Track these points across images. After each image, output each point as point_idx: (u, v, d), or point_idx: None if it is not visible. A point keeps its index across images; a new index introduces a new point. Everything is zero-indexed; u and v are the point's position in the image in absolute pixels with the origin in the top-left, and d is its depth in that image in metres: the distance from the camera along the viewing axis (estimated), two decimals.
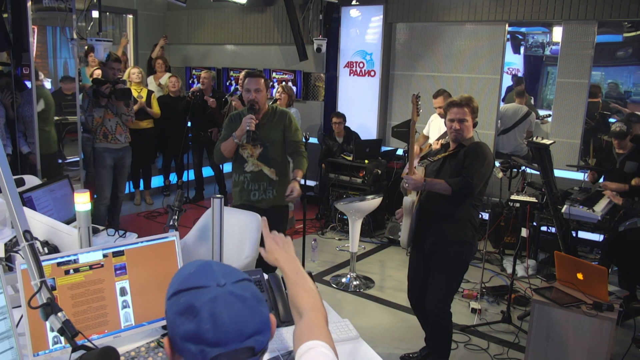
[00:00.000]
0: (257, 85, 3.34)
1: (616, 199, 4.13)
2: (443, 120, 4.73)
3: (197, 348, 0.87)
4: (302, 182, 6.18)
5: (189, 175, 6.82)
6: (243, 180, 3.42)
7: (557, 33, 6.70)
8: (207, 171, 6.88)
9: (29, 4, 4.80)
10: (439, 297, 2.99)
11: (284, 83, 6.45)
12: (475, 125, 3.03)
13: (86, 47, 6.72)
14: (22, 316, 1.53)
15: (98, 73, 5.63)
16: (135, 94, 6.00)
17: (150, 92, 6.22)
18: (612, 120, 6.10)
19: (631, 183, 4.22)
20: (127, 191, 6.56)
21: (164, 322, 1.80)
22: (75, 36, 5.48)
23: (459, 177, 2.84)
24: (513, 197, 4.20)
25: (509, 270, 4.53)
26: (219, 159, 3.50)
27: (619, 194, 4.18)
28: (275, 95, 5.76)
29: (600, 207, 4.07)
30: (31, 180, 3.28)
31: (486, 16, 5.82)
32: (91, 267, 1.68)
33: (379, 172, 5.83)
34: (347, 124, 6.24)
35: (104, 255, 1.72)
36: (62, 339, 1.34)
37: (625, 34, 6.95)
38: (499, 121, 6.17)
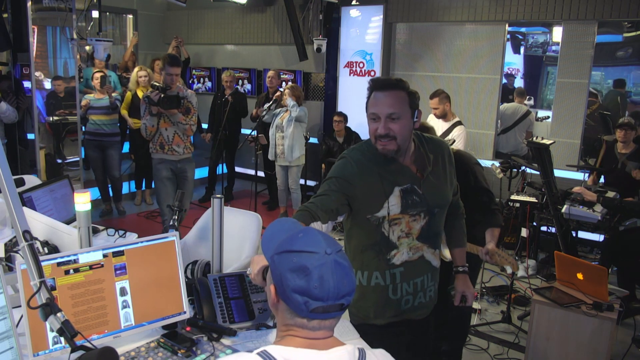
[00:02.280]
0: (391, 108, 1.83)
1: (589, 195, 4.03)
2: (440, 121, 4.78)
3: (303, 299, 1.09)
4: (302, 182, 6.26)
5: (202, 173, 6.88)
6: (393, 275, 1.93)
7: (557, 33, 6.70)
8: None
9: (29, 4, 4.81)
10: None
11: (290, 83, 6.46)
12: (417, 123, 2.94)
13: (87, 48, 6.73)
14: (22, 316, 1.53)
15: (97, 76, 5.63)
16: (141, 95, 6.00)
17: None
18: None
19: (632, 176, 4.19)
20: (127, 191, 6.59)
21: (164, 322, 1.80)
22: (75, 36, 5.48)
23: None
24: (513, 197, 4.21)
25: (509, 270, 4.53)
26: None
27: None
28: (276, 97, 5.76)
29: (600, 207, 4.06)
30: (31, 180, 3.28)
31: (486, 16, 5.82)
32: (91, 267, 1.68)
33: None
34: (347, 124, 6.24)
35: (104, 255, 1.71)
36: (62, 339, 1.34)
37: (625, 34, 6.95)
38: (499, 121, 6.18)
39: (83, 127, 5.96)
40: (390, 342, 1.78)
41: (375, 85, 1.83)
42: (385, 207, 1.83)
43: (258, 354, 1.07)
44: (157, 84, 4.23)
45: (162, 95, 4.17)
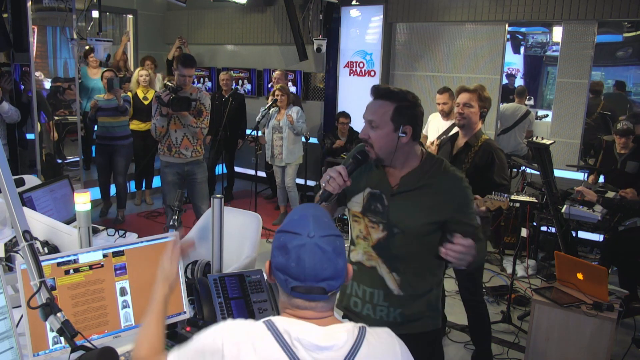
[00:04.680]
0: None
1: (589, 194, 4.03)
2: (442, 119, 4.78)
3: (283, 277, 1.19)
4: (302, 181, 6.26)
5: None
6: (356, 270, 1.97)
7: (557, 33, 6.72)
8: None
9: (29, 4, 4.81)
10: (469, 288, 3.22)
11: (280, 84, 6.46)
12: (482, 116, 3.07)
13: (87, 47, 6.72)
14: (22, 316, 1.53)
15: (107, 75, 5.51)
16: (141, 95, 5.99)
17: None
18: None
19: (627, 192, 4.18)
20: (128, 191, 6.59)
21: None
22: (75, 36, 5.48)
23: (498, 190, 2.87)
24: (513, 197, 4.19)
25: (509, 270, 4.53)
26: None
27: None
28: (276, 96, 5.72)
29: (600, 207, 4.06)
30: (31, 180, 3.28)
31: (486, 16, 5.82)
32: (91, 267, 1.68)
33: None
34: (349, 124, 6.28)
35: (104, 255, 1.71)
36: (62, 339, 1.34)
37: (625, 34, 6.96)
38: (499, 121, 6.18)
39: (83, 128, 5.95)
40: None
41: (371, 92, 1.85)
42: (352, 201, 1.95)
43: (264, 322, 1.18)
44: (170, 84, 4.10)
45: (172, 96, 4.03)
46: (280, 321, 1.18)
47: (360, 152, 1.86)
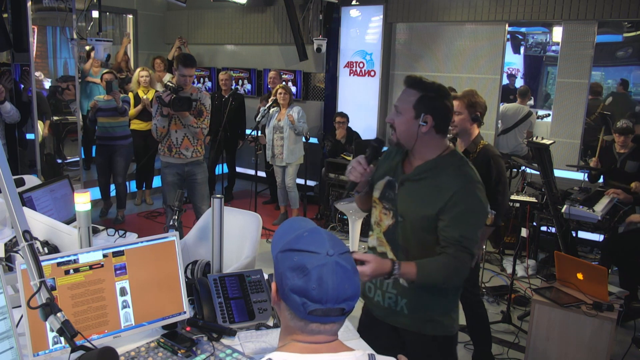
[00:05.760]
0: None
1: (622, 195, 4.10)
2: None
3: (301, 300, 1.07)
4: (302, 181, 6.25)
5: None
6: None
7: (557, 33, 6.71)
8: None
9: (29, 4, 4.80)
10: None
11: (284, 83, 6.45)
12: (476, 121, 3.01)
13: (87, 48, 6.72)
14: (22, 316, 1.53)
15: (106, 77, 5.51)
16: (142, 95, 5.99)
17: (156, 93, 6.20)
18: None
19: (631, 186, 4.20)
20: (128, 191, 6.59)
21: (164, 322, 1.80)
22: (75, 36, 5.48)
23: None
24: (513, 197, 4.20)
25: (509, 270, 4.53)
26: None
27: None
28: (277, 97, 5.72)
29: (600, 207, 4.06)
30: (31, 180, 3.28)
31: (486, 16, 5.82)
32: (91, 267, 1.68)
33: None
34: (347, 124, 6.26)
35: (104, 255, 1.71)
36: (62, 339, 1.34)
37: (625, 34, 6.96)
38: (500, 121, 6.17)
39: (84, 128, 5.94)
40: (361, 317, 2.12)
41: (404, 80, 1.92)
42: (375, 188, 2.02)
43: None
44: (171, 84, 4.08)
45: (173, 96, 4.02)
46: (282, 357, 1.08)
47: (375, 139, 1.94)
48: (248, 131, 5.86)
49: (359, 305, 3.91)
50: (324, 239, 1.12)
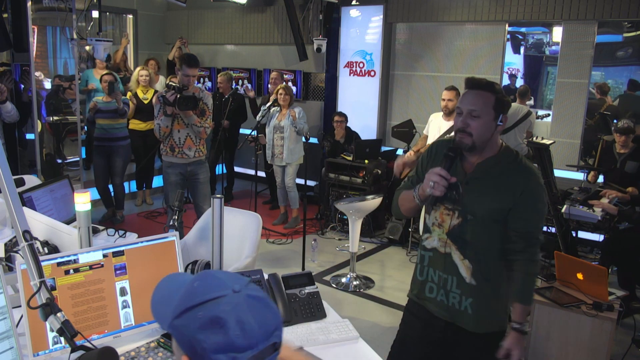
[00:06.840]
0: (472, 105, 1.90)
1: (611, 210, 4.02)
2: (444, 119, 4.78)
3: (228, 357, 0.89)
4: (302, 181, 6.24)
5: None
6: (422, 256, 2.09)
7: (557, 33, 6.70)
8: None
9: (29, 4, 4.81)
10: None
11: (284, 83, 6.45)
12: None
13: (87, 48, 6.72)
14: (22, 316, 1.53)
15: (106, 79, 5.51)
16: (141, 95, 5.99)
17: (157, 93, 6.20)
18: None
19: (627, 190, 4.20)
20: (128, 191, 6.59)
21: None
22: (75, 36, 5.48)
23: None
24: None
25: None
26: (396, 213, 2.21)
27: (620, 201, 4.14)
28: (278, 97, 5.71)
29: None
30: (31, 180, 3.28)
31: (486, 16, 5.82)
32: (91, 267, 1.69)
33: (379, 172, 5.83)
34: (347, 124, 6.25)
35: (104, 255, 1.72)
36: (62, 339, 1.34)
37: (625, 34, 6.95)
38: None
39: (85, 127, 5.93)
40: (406, 318, 2.17)
41: (468, 84, 1.97)
42: None
43: None
44: (174, 84, 4.08)
45: (178, 96, 4.01)
46: None
47: (449, 149, 1.92)
48: (248, 131, 5.86)
49: (370, 309, 3.89)
50: (220, 278, 0.97)
